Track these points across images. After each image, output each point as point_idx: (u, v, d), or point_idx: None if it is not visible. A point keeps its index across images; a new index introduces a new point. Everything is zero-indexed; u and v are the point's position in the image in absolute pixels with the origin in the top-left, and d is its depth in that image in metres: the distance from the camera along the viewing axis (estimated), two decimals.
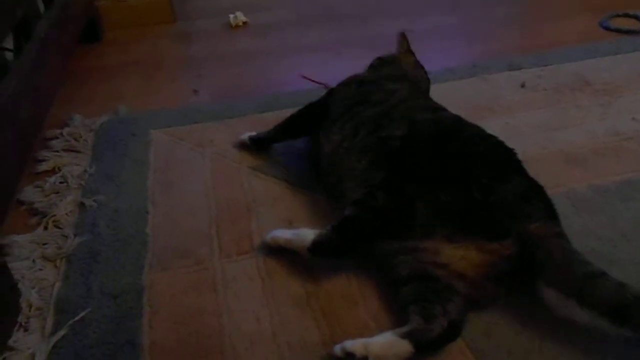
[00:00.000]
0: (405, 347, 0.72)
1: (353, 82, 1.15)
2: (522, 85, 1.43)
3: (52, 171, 1.16)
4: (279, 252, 0.93)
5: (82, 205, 1.05)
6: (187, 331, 0.80)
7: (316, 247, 0.84)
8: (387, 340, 0.73)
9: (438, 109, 1.06)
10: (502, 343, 0.76)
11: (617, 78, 1.45)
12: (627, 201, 1.02)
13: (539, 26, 1.90)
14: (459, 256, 0.78)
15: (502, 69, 1.52)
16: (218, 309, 0.84)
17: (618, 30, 1.77)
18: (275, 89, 1.55)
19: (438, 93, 1.37)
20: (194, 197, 1.09)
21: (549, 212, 0.83)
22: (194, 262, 0.93)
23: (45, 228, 1.00)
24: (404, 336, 0.73)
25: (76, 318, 0.81)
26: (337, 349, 0.72)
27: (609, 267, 0.86)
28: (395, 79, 1.14)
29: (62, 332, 0.79)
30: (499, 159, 0.89)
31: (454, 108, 1.33)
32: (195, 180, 1.13)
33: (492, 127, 1.26)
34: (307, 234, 0.86)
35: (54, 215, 1.01)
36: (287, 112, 1.37)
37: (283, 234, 0.90)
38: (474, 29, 1.89)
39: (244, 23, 2.02)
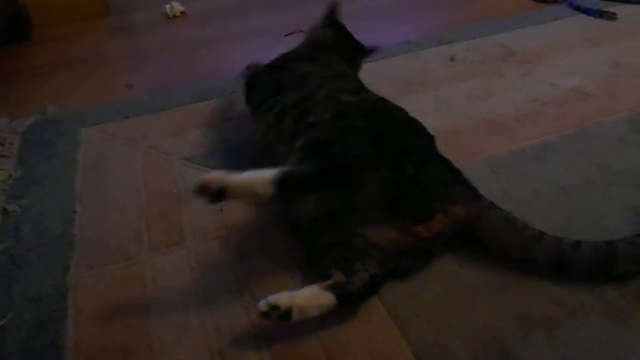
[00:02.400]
0: (329, 298, 0.74)
1: (265, 71, 1.15)
2: (452, 59, 1.46)
3: None
4: (209, 240, 0.93)
5: (4, 211, 1.02)
6: (113, 328, 0.79)
7: (285, 179, 0.74)
8: (311, 292, 0.74)
9: (360, 90, 1.05)
10: (424, 309, 0.79)
11: (538, 46, 1.50)
12: (541, 162, 1.06)
13: (471, 1, 1.93)
14: (378, 233, 0.79)
15: (433, 45, 1.54)
16: (146, 303, 0.83)
17: (543, 1, 1.82)
18: (213, 78, 1.52)
19: (373, 70, 1.39)
20: (124, 193, 1.07)
21: (471, 192, 0.86)
22: (122, 258, 0.91)
23: None
24: (328, 288, 0.75)
25: None
26: (262, 304, 0.72)
27: None
28: (306, 58, 1.13)
29: None
30: (422, 144, 0.90)
31: (388, 84, 1.36)
32: (126, 176, 1.11)
33: (423, 100, 1.29)
34: (262, 172, 0.76)
35: None
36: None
37: (229, 177, 0.74)
38: (409, 7, 1.91)
39: (182, 13, 1.98)
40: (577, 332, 0.74)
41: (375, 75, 1.38)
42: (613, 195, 0.97)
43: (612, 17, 1.65)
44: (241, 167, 0.91)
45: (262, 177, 0.75)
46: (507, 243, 0.81)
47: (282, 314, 0.72)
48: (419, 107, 1.25)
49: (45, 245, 0.94)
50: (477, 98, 1.29)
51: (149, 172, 1.12)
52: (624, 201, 0.96)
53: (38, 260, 0.91)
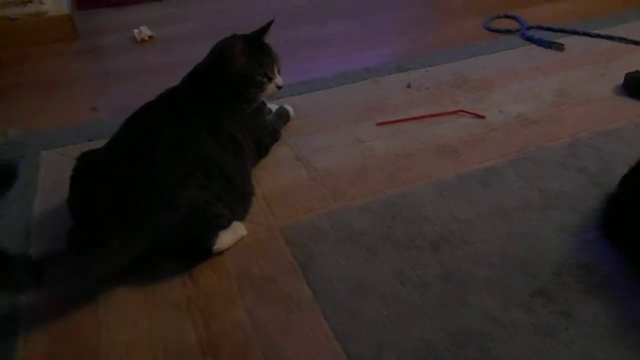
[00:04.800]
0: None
1: None
2: (408, 86, 1.53)
3: None
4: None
5: None
6: (62, 348, 0.81)
7: None
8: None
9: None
10: (365, 325, 0.82)
11: (490, 74, 1.59)
12: (486, 185, 1.13)
13: (429, 29, 2.03)
14: None
15: (392, 71, 1.61)
16: (97, 323, 0.85)
17: (497, 31, 1.93)
18: None
19: (332, 97, 1.45)
20: None
21: None
22: None
23: None
24: None
25: None
26: None
27: (464, 245, 0.96)
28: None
29: None
30: None
31: (348, 110, 1.42)
32: None
33: (380, 126, 1.35)
34: None
35: None
36: None
37: None
38: (370, 34, 1.99)
39: (150, 37, 2.02)
40: (507, 346, 0.78)
41: (335, 102, 1.45)
42: (550, 218, 1.04)
43: (560, 47, 1.76)
44: None
45: None
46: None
47: None
48: (375, 132, 1.32)
49: None
50: (430, 123, 1.35)
51: None
52: (560, 223, 1.02)
53: None
